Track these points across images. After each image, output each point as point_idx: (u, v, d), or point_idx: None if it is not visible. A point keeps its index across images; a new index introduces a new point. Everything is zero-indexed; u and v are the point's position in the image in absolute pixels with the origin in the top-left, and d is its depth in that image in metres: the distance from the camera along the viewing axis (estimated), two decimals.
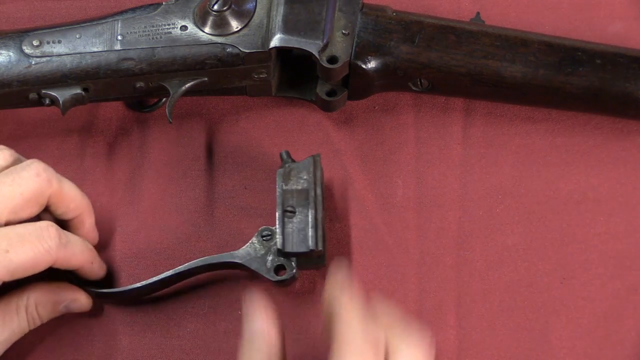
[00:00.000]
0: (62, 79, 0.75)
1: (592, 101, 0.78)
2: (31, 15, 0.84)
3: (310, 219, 0.74)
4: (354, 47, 0.77)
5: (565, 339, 0.76)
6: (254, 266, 0.74)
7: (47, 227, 0.70)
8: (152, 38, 0.76)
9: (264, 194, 0.79)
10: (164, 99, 0.80)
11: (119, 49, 0.76)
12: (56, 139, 0.81)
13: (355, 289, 0.63)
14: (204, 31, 0.76)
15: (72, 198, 0.73)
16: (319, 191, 0.75)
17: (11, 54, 0.75)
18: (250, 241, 0.75)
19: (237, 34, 0.76)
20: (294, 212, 0.74)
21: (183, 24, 0.76)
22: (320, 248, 0.73)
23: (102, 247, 0.77)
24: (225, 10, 0.76)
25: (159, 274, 0.75)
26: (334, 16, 0.77)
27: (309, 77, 0.80)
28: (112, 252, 0.78)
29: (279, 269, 0.74)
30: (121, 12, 0.77)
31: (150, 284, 0.75)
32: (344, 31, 0.77)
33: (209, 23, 0.76)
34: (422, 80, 0.78)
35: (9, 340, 0.72)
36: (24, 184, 0.70)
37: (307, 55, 0.76)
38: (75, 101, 0.76)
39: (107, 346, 0.76)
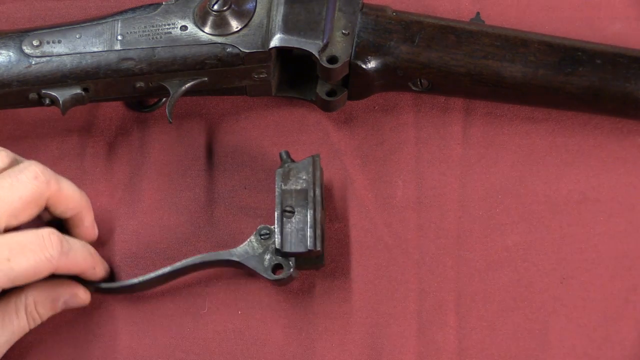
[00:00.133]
0: (62, 79, 0.75)
1: (592, 101, 0.78)
2: (31, 15, 0.84)
3: (309, 219, 0.74)
4: (354, 47, 0.77)
5: (565, 339, 0.76)
6: (251, 264, 0.74)
7: (49, 235, 0.70)
8: (152, 38, 0.76)
9: (264, 193, 0.79)
10: (164, 99, 0.80)
11: (119, 49, 0.76)
12: (56, 139, 0.81)
13: None
14: (204, 31, 0.76)
15: (70, 197, 0.73)
16: (318, 191, 0.75)
17: (11, 54, 0.75)
18: (248, 239, 0.75)
19: (237, 34, 0.76)
20: (292, 212, 0.74)
21: (183, 24, 0.76)
22: (318, 248, 0.73)
23: (102, 246, 0.77)
24: (225, 10, 0.76)
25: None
26: (334, 16, 0.77)
27: (309, 77, 0.80)
28: (112, 252, 0.78)
29: (276, 267, 0.74)
30: (121, 12, 0.77)
31: (147, 279, 0.75)
32: (344, 31, 0.77)
33: (209, 23, 0.76)
34: (422, 80, 0.78)
35: (9, 342, 0.72)
36: (22, 187, 0.70)
37: (307, 55, 0.76)
38: (75, 101, 0.76)
39: (107, 346, 0.76)
